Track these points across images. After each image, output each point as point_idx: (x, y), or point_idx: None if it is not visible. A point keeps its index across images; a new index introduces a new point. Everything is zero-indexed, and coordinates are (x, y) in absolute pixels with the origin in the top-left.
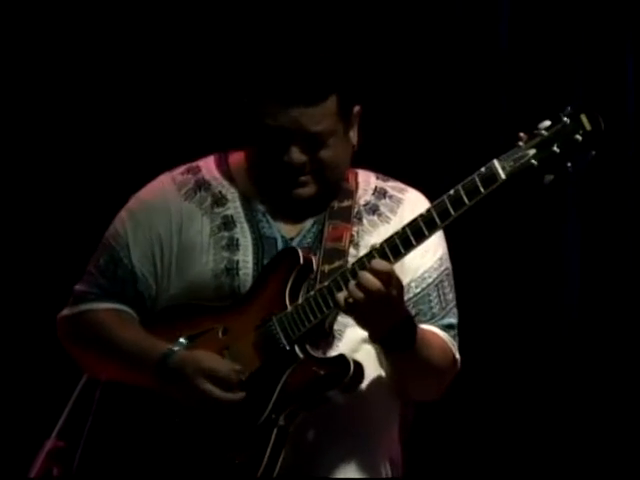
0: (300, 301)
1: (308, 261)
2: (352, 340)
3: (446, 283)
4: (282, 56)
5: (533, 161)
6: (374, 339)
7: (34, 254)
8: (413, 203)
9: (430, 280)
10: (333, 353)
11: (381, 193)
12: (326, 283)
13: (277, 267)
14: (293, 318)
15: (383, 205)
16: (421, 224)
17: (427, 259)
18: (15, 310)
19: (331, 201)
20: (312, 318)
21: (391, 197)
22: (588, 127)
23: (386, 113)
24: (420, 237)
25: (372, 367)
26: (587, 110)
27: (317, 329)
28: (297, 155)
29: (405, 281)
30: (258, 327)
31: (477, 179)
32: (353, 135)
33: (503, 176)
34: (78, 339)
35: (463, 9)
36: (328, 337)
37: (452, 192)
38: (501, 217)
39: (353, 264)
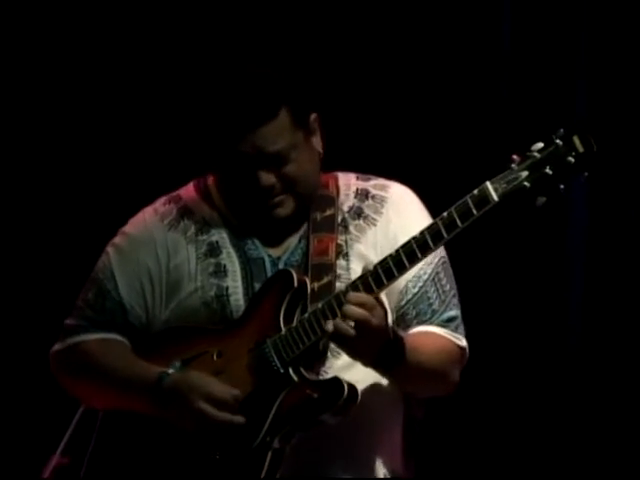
0: (294, 324)
1: (302, 283)
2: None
3: (442, 274)
4: (222, 86)
5: (526, 183)
6: (365, 365)
7: (30, 283)
8: (398, 200)
9: (426, 277)
10: (329, 369)
11: (363, 195)
12: (320, 305)
13: (271, 290)
14: (287, 341)
15: (367, 207)
16: (414, 247)
17: None
18: (19, 322)
19: (309, 211)
20: (306, 340)
21: (374, 197)
22: (580, 149)
23: (387, 115)
24: (413, 260)
25: (372, 378)
26: (579, 132)
27: (311, 350)
28: (265, 178)
29: (402, 283)
30: (252, 350)
31: (470, 201)
32: (316, 142)
33: (496, 198)
34: (70, 372)
35: (466, 9)
36: (322, 358)
37: (445, 215)
38: (504, 221)
39: (347, 286)
